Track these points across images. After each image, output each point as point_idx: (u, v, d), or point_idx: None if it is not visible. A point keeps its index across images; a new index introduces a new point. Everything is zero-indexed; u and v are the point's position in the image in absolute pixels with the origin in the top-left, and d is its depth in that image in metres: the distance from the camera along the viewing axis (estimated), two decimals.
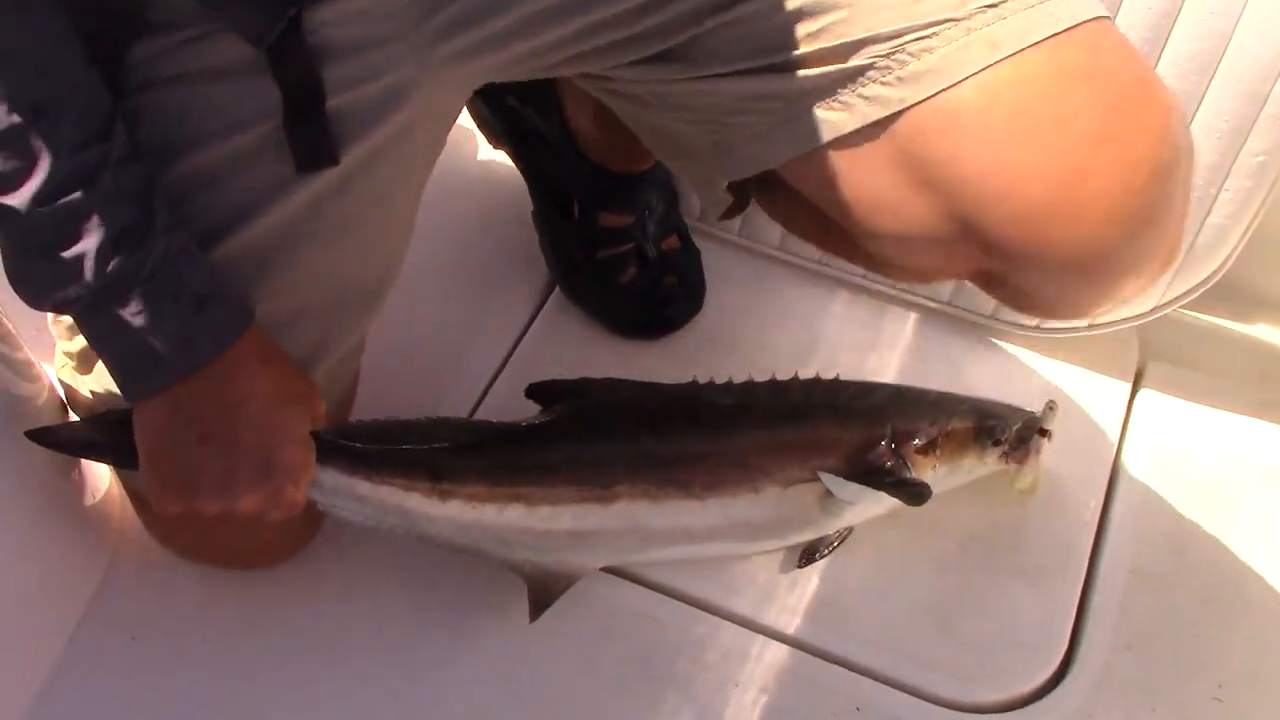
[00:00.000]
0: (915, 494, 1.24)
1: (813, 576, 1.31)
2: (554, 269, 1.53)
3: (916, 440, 1.27)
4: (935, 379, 1.44)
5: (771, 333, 1.52)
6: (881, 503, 1.28)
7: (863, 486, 1.24)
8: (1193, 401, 1.48)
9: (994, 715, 1.24)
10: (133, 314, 0.93)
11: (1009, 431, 1.30)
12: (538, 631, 1.21)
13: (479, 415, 1.43)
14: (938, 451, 1.28)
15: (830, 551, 1.30)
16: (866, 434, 1.27)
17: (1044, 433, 1.30)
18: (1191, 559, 1.35)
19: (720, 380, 1.30)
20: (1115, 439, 1.44)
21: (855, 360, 1.49)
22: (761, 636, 1.27)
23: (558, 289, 1.54)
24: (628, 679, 1.24)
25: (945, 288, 1.51)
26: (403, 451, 1.17)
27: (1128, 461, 1.43)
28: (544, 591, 1.22)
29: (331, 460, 1.12)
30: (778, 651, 1.26)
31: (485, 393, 1.46)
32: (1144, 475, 1.41)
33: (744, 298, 1.55)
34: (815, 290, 1.56)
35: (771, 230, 1.55)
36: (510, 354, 1.50)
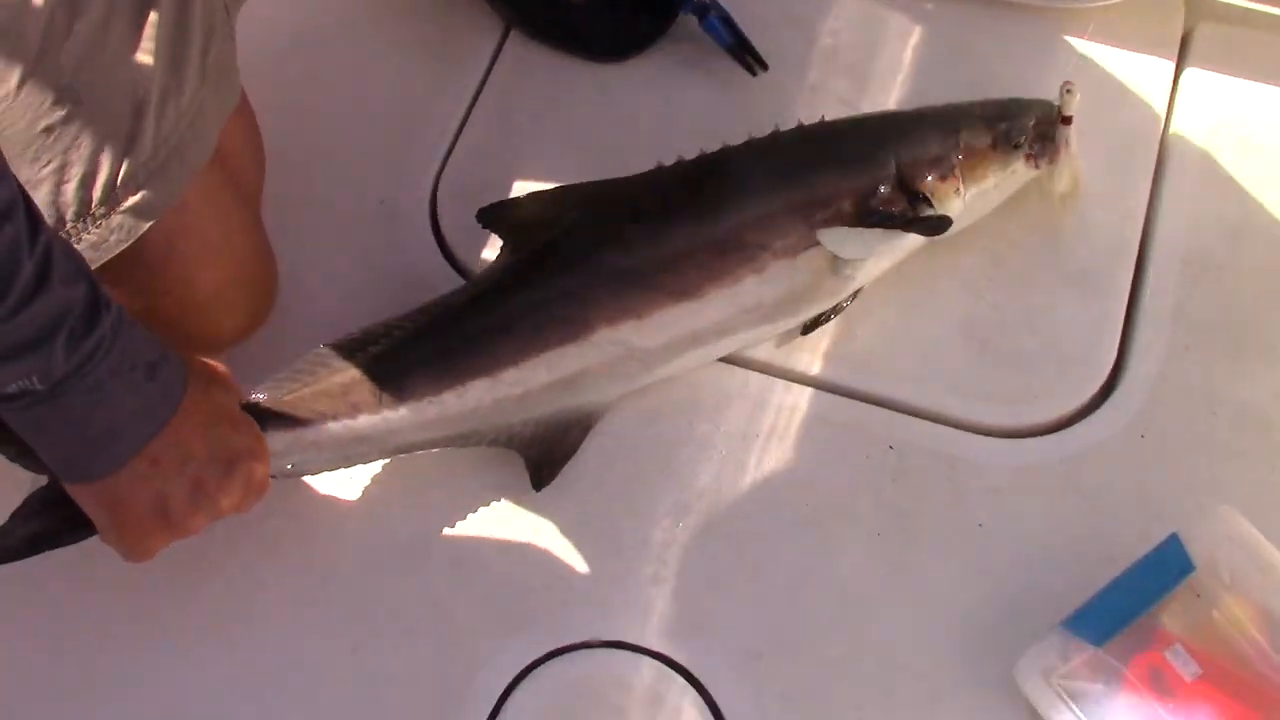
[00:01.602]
0: (934, 226, 1.11)
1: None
2: (501, 10, 1.37)
3: (929, 171, 1.13)
4: (955, 73, 1.28)
5: (768, 37, 1.34)
6: (899, 249, 1.15)
7: (876, 236, 1.11)
8: (1247, 67, 1.31)
9: (1038, 439, 1.14)
10: (91, 397, 0.88)
11: (1027, 130, 1.15)
12: None
13: (449, 169, 1.30)
14: (958, 174, 1.14)
15: (841, 311, 1.17)
16: (871, 177, 1.13)
17: (1066, 120, 1.14)
18: (1249, 241, 1.22)
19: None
20: (1161, 118, 1.28)
21: (863, 60, 1.33)
22: (784, 381, 1.17)
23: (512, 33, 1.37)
24: (648, 441, 1.15)
25: None
26: (335, 380, 1.08)
27: (1175, 142, 1.27)
28: (552, 452, 1.12)
29: (271, 425, 1.05)
30: (801, 395, 1.17)
31: (454, 144, 1.32)
32: (1195, 154, 1.26)
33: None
34: None
35: None
36: (476, 97, 1.34)
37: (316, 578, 1.11)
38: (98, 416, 0.90)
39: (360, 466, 1.12)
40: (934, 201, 1.13)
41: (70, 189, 0.99)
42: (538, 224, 1.15)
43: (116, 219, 1.01)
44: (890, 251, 1.15)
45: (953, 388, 1.16)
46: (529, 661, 1.06)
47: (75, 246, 0.99)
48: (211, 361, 1.03)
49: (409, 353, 1.10)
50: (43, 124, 0.96)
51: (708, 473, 1.13)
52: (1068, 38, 1.31)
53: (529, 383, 1.10)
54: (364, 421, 1.08)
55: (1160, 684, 0.96)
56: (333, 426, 1.07)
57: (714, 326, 1.12)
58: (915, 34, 1.34)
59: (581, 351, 1.10)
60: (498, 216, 1.17)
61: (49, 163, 0.98)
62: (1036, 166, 1.17)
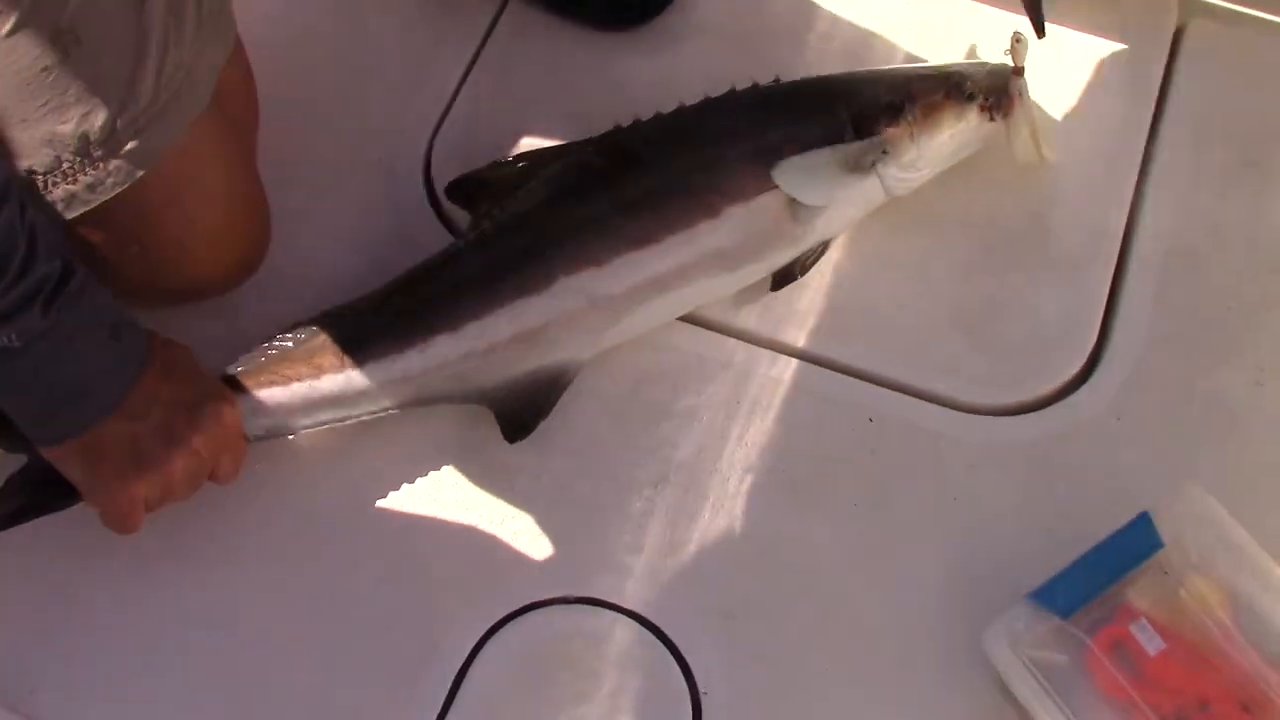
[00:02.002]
0: (874, 146, 1.14)
1: (821, 287, 1.21)
2: None
3: (882, 118, 1.15)
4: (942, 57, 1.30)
5: (765, 17, 1.36)
6: (857, 196, 1.16)
7: (828, 172, 1.13)
8: (1237, 64, 1.32)
9: (1016, 418, 1.15)
10: (61, 353, 0.91)
11: (979, 81, 1.18)
12: None
13: (444, 130, 1.30)
14: (910, 119, 1.15)
15: (809, 268, 1.18)
16: (823, 123, 1.15)
17: (1018, 71, 1.17)
18: (1232, 236, 1.23)
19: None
20: (1151, 109, 1.29)
21: (857, 40, 1.34)
22: (768, 351, 1.19)
23: None
24: (630, 407, 1.16)
25: None
26: (301, 345, 1.10)
27: (1165, 133, 1.28)
28: (525, 407, 1.12)
29: (238, 389, 1.08)
30: (785, 365, 1.18)
31: (450, 105, 1.32)
32: (1183, 148, 1.27)
33: None
34: None
35: None
36: (474, 60, 1.35)
37: (294, 531, 1.12)
38: (68, 373, 0.93)
39: (340, 427, 1.13)
40: (887, 148, 1.15)
41: (68, 130, 1.00)
42: (504, 191, 1.17)
43: (114, 163, 1.02)
44: (848, 198, 1.16)
45: (935, 364, 1.17)
46: (502, 615, 1.07)
47: (71, 185, 1.00)
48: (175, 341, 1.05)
49: (373, 317, 1.12)
50: (41, 64, 0.97)
51: (689, 438, 1.14)
52: (1062, 27, 1.32)
53: (493, 336, 1.10)
54: (329, 382, 1.09)
55: (1124, 657, 0.97)
56: (298, 388, 1.09)
57: (674, 272, 1.13)
58: (907, 24, 1.35)
59: (544, 302, 1.11)
60: (465, 190, 1.19)
61: (46, 102, 0.99)
62: (992, 118, 1.18)
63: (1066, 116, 1.28)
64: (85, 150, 1.01)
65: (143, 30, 1.00)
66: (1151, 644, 0.98)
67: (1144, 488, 1.08)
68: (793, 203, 1.13)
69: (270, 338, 1.12)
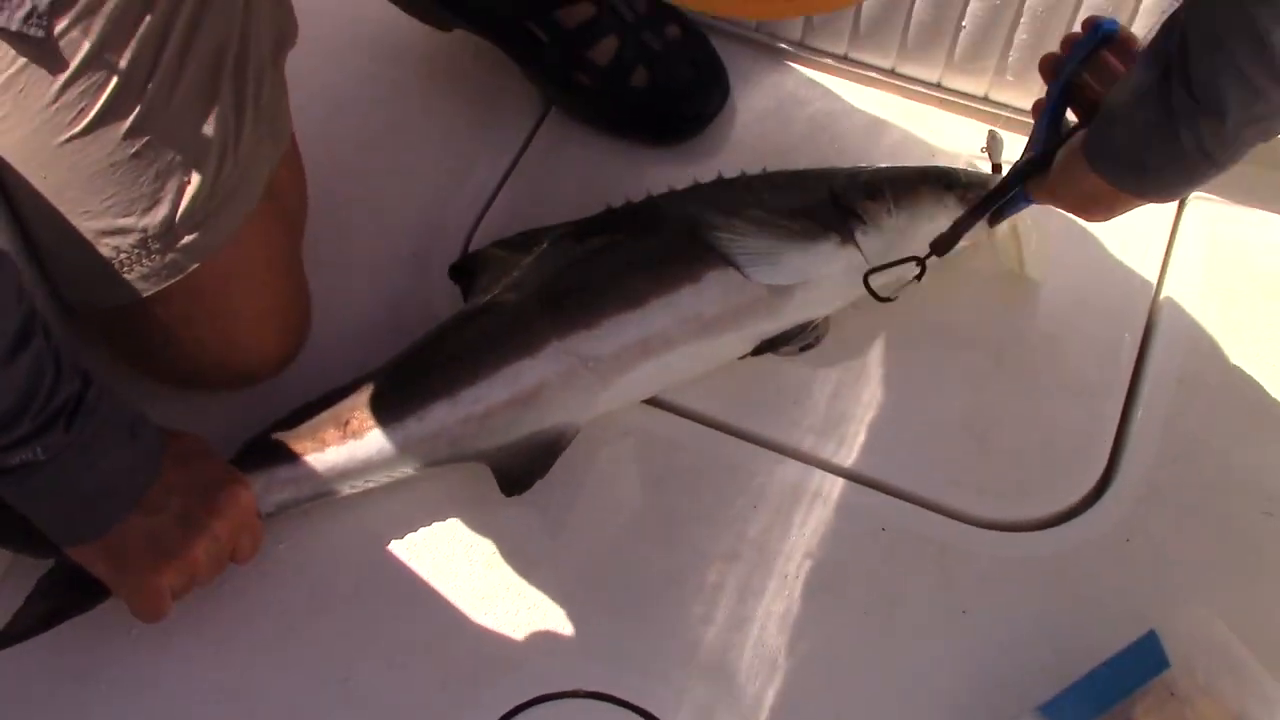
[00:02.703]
0: (838, 216, 1.20)
1: (833, 394, 1.24)
2: (548, 92, 1.43)
3: (860, 193, 1.21)
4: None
5: (791, 135, 1.41)
6: (831, 275, 1.20)
7: (790, 248, 1.18)
8: (1248, 195, 1.36)
9: (1027, 534, 1.17)
10: (82, 461, 0.94)
11: (957, 174, 1.24)
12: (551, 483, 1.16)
13: (481, 230, 1.35)
14: (887, 195, 1.21)
15: (795, 346, 1.22)
16: (803, 195, 1.22)
17: (996, 168, 1.23)
18: (1244, 369, 1.26)
19: None
20: (1165, 240, 1.33)
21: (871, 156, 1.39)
22: (778, 455, 1.21)
23: (553, 110, 1.43)
24: (640, 504, 1.19)
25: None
26: (306, 424, 1.14)
27: (1177, 264, 1.32)
28: (523, 468, 1.15)
29: (246, 468, 1.11)
30: (796, 471, 1.20)
31: (487, 207, 1.37)
32: (1195, 280, 1.31)
33: (765, 97, 1.44)
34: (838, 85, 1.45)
35: (793, 24, 1.43)
36: (513, 166, 1.40)
37: (311, 610, 1.14)
38: (90, 479, 0.96)
39: (362, 498, 1.15)
40: (865, 218, 1.20)
41: (130, 224, 1.04)
42: (503, 267, 1.22)
43: (170, 256, 1.07)
44: (821, 276, 1.20)
45: (947, 477, 1.19)
46: (514, 705, 1.08)
47: (126, 276, 1.04)
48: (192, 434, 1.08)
49: (373, 390, 1.15)
50: (111, 160, 1.02)
51: (701, 537, 1.16)
52: None
53: (489, 400, 1.14)
54: (332, 455, 1.13)
55: None
56: (304, 462, 1.12)
57: (658, 336, 1.17)
58: (896, 128, 1.42)
59: (536, 364, 1.14)
60: (469, 269, 1.24)
61: (112, 196, 1.04)
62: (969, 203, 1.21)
63: (1084, 241, 1.32)
64: (144, 244, 1.05)
65: (206, 130, 1.05)
66: None
67: (1152, 607, 1.09)
68: None
69: (278, 417, 1.15)
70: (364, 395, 1.15)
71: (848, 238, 1.20)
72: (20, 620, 1.06)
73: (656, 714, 1.08)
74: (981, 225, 1.19)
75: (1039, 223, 1.26)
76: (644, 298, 1.16)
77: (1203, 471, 1.20)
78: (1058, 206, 1.14)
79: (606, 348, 1.16)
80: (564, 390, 1.15)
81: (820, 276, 1.20)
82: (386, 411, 1.14)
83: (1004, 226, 1.22)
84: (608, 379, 1.17)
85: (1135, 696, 1.00)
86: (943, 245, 1.19)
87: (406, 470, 1.15)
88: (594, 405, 1.18)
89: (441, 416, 1.14)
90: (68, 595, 1.06)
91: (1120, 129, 1.00)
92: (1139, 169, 1.01)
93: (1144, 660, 1.02)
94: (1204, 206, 1.35)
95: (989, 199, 1.17)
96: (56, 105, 0.99)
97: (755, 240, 1.17)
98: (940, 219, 1.22)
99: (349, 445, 1.13)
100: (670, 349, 1.18)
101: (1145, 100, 0.96)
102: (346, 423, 1.14)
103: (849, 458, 1.21)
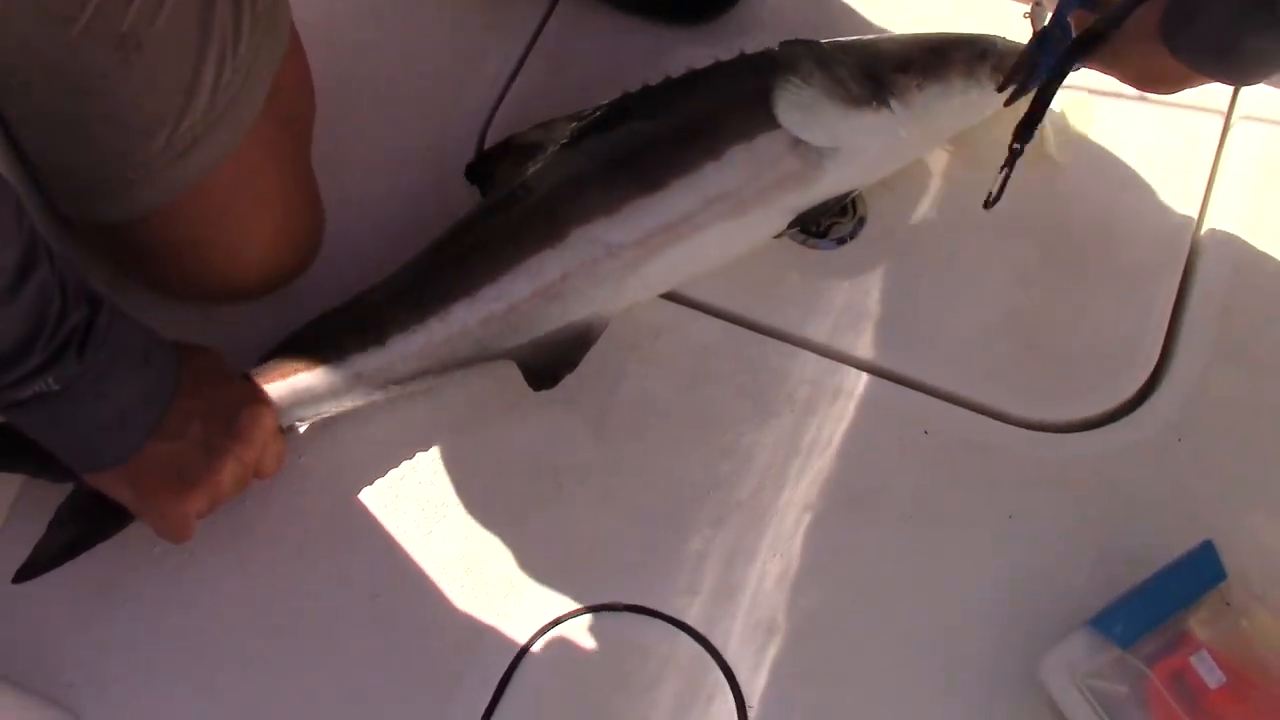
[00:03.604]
0: (875, 91, 1.14)
1: (872, 291, 1.18)
2: None
3: (887, 63, 1.15)
4: None
5: (827, 12, 1.33)
6: (868, 142, 1.14)
7: (829, 107, 1.12)
8: None
9: (1074, 434, 1.13)
10: (97, 388, 0.91)
11: (993, 45, 1.17)
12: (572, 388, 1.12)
13: (497, 119, 1.28)
14: (916, 70, 1.15)
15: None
16: (826, 73, 1.13)
17: (1036, 37, 1.12)
18: None
19: None
20: (1221, 120, 1.26)
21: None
22: (818, 356, 1.16)
23: None
24: (674, 409, 1.15)
25: None
26: (324, 330, 1.10)
27: (1234, 145, 1.25)
28: (551, 363, 1.11)
29: (265, 381, 1.07)
30: (834, 372, 1.15)
31: (502, 95, 1.30)
32: (1254, 160, 1.24)
33: None
34: None
35: None
36: (528, 51, 1.33)
37: (337, 526, 1.11)
38: (105, 407, 0.92)
39: (388, 408, 1.12)
40: (893, 93, 1.14)
41: (126, 137, 0.98)
42: (519, 162, 1.16)
43: (171, 170, 1.01)
44: (859, 142, 1.14)
45: (992, 377, 1.15)
46: (548, 620, 1.06)
47: (125, 192, 0.98)
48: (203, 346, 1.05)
49: (390, 292, 1.11)
50: (100, 70, 0.96)
51: (740, 444, 1.12)
52: None
53: (511, 295, 1.09)
54: (353, 360, 1.08)
55: (1183, 690, 0.95)
56: (323, 370, 1.08)
57: (683, 218, 1.11)
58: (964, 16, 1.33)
59: (558, 254, 1.10)
60: (485, 169, 1.19)
61: (105, 109, 0.98)
62: (1006, 88, 1.13)
63: (1135, 125, 1.25)
64: (142, 158, 1.00)
65: (204, 34, 0.99)
66: (1212, 676, 0.96)
67: (1206, 512, 1.07)
68: (798, 143, 1.11)
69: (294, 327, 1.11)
70: (383, 299, 1.11)
71: (882, 108, 1.13)
72: (44, 550, 1.03)
73: (694, 626, 1.05)
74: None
75: (1069, 100, 1.20)
76: (665, 179, 1.11)
77: (1260, 367, 1.15)
78: (1113, 76, 1.07)
79: (629, 233, 1.10)
80: (588, 280, 1.10)
81: (855, 147, 1.14)
82: (407, 314, 1.09)
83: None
84: (634, 265, 1.11)
85: (1191, 609, 0.97)
86: (1026, 131, 1.12)
87: (431, 374, 1.11)
88: (622, 294, 1.13)
89: (463, 315, 1.09)
90: (90, 522, 1.04)
91: (1207, 15, 0.93)
92: (1229, 54, 0.94)
93: (1200, 571, 0.99)
94: (1262, 87, 1.27)
95: (1056, 75, 1.09)
96: (45, 13, 0.93)
97: (803, 93, 1.11)
98: (972, 92, 1.15)
99: (370, 351, 1.09)
100: (697, 230, 1.12)
101: None
102: (365, 328, 1.09)
103: (889, 357, 1.16)
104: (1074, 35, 1.07)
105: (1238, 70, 0.97)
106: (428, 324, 1.09)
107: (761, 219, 1.14)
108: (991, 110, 1.17)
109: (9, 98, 0.99)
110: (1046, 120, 1.15)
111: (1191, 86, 1.02)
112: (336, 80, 1.25)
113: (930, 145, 1.22)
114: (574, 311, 1.11)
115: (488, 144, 1.27)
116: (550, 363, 1.11)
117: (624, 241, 1.10)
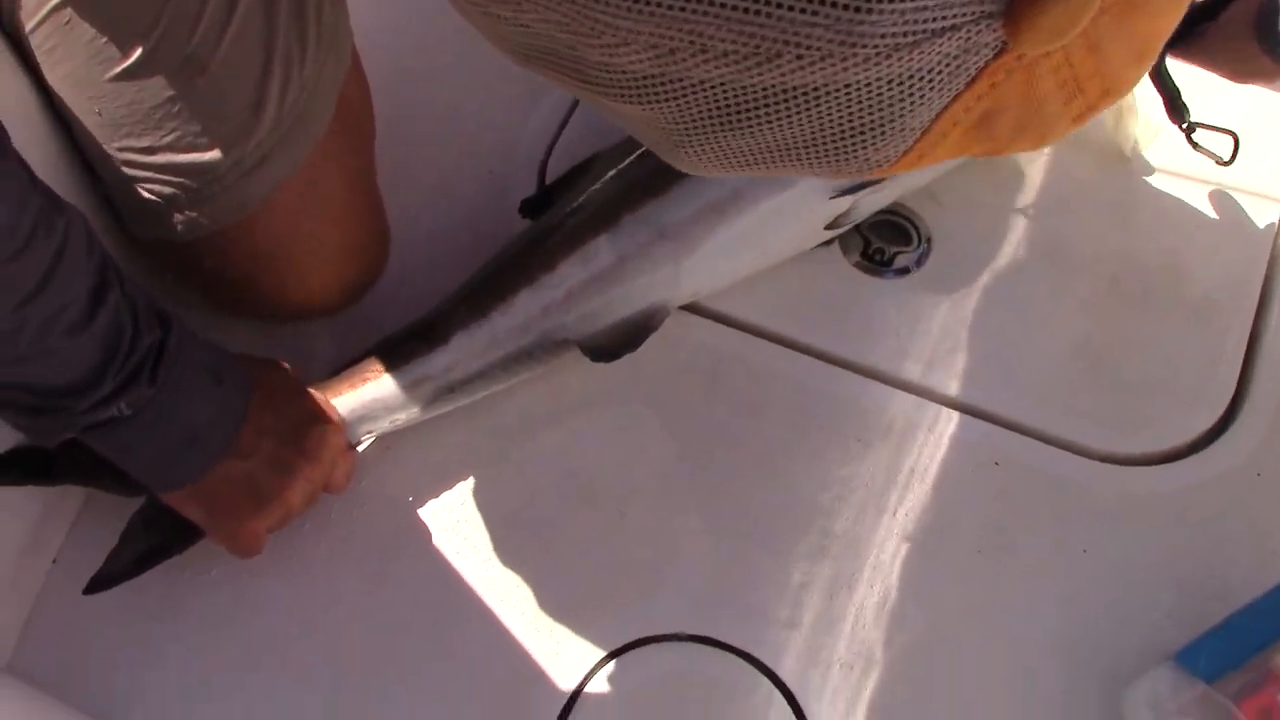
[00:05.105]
0: None
1: (940, 320, 1.17)
2: None
3: None
4: None
5: None
6: None
7: None
8: None
9: (1149, 468, 1.10)
10: (169, 412, 0.90)
11: None
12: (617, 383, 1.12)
13: (560, 145, 1.28)
14: None
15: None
16: None
17: None
18: None
19: None
20: None
21: None
22: (884, 385, 1.15)
23: None
24: (740, 438, 1.13)
25: None
26: (388, 343, 1.10)
27: None
28: (612, 342, 1.10)
29: (332, 396, 1.06)
30: (902, 402, 1.13)
31: (565, 120, 1.30)
32: None
33: None
34: None
35: None
36: None
37: (400, 550, 1.09)
38: (177, 429, 0.92)
39: (448, 429, 1.11)
40: None
41: (192, 158, 0.98)
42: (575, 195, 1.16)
43: (237, 190, 1.00)
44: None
45: (1063, 408, 1.13)
46: (615, 647, 1.03)
47: (193, 213, 1.00)
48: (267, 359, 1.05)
49: (455, 300, 1.11)
50: (166, 94, 0.96)
51: (807, 473, 1.10)
52: None
53: (569, 281, 1.09)
54: (419, 364, 1.08)
55: None
56: (390, 378, 1.07)
57: (731, 195, 1.10)
58: None
59: (612, 238, 1.09)
60: (539, 206, 1.17)
61: (172, 131, 0.98)
62: None
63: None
64: (209, 179, 1.00)
65: (268, 55, 0.99)
66: None
67: None
68: None
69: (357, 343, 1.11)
70: (446, 305, 1.11)
71: None
72: (114, 562, 1.02)
73: (758, 656, 1.03)
74: None
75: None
76: None
77: None
78: (1205, 69, 1.06)
79: (680, 212, 1.10)
80: (644, 264, 1.10)
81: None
82: (468, 311, 1.10)
83: None
84: (688, 247, 1.11)
85: (1276, 646, 0.94)
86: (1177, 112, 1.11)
87: (496, 373, 1.10)
88: (680, 281, 1.12)
89: (524, 305, 1.09)
90: (162, 535, 1.03)
91: None
92: None
93: None
94: None
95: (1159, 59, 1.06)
96: (106, 38, 0.93)
97: None
98: None
99: (435, 354, 1.08)
100: (745, 208, 1.11)
101: None
102: (430, 332, 1.09)
103: (959, 388, 1.14)
104: None
105: None
106: (490, 318, 1.09)
107: (811, 192, 1.12)
108: None
109: (79, 123, 1.00)
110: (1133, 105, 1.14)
111: None
112: (399, 104, 1.24)
113: None
114: (633, 297, 1.11)
115: (548, 170, 1.27)
116: (611, 345, 1.10)
117: (675, 220, 1.10)
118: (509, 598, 1.06)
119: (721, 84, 0.60)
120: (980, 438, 1.12)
